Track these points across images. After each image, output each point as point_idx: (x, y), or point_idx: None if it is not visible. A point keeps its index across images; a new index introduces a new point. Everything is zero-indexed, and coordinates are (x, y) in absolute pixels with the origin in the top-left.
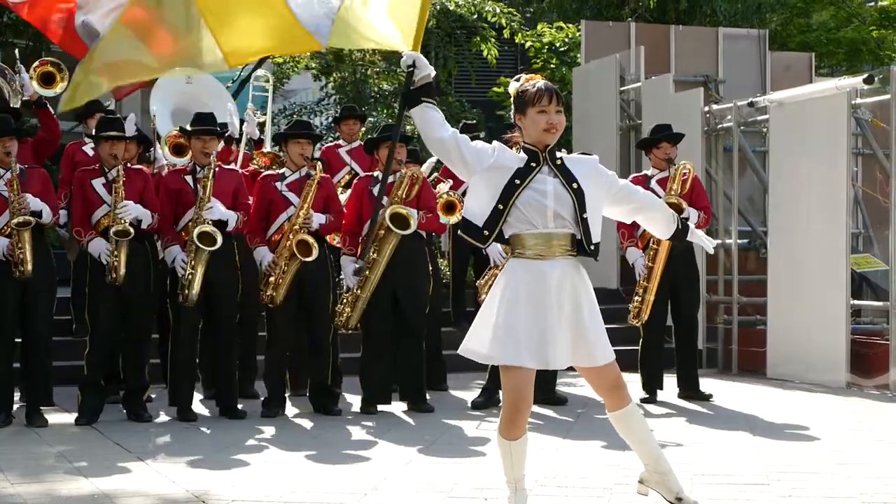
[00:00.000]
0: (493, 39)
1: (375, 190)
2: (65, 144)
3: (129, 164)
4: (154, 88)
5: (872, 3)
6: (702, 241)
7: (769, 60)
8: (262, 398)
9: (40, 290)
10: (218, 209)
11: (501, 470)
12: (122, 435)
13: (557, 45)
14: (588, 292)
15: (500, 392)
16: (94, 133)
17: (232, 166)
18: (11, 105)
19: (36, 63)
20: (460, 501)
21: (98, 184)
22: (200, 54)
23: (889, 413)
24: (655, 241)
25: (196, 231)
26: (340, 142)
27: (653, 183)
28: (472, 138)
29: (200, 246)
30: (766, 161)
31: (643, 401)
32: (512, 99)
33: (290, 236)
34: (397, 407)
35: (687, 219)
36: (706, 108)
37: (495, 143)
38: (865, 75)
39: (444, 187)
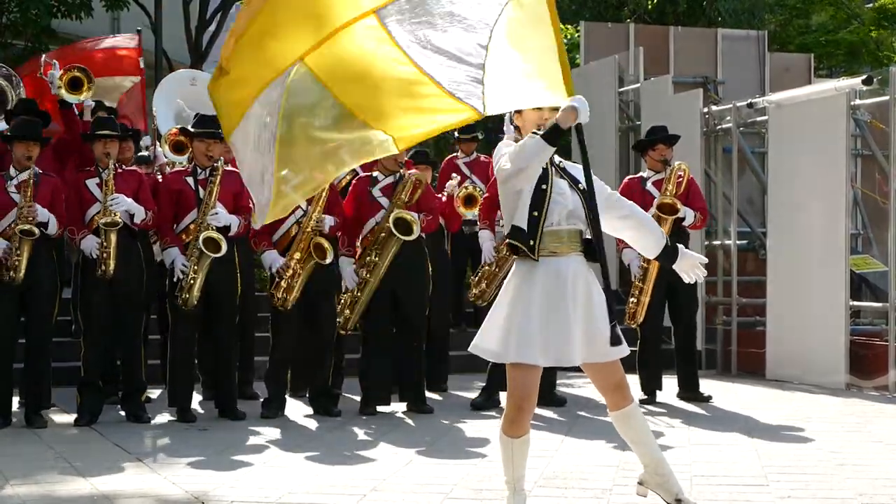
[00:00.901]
0: None
1: (375, 191)
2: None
3: (123, 166)
4: (157, 88)
5: (871, 4)
6: (692, 260)
7: (768, 61)
8: (262, 399)
9: (41, 294)
10: (223, 215)
11: (501, 469)
12: (121, 436)
13: None
14: (598, 289)
15: (500, 393)
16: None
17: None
18: (8, 106)
19: (64, 69)
20: (460, 502)
21: (92, 183)
22: (369, 142)
23: (888, 414)
24: None
25: (202, 237)
26: None
27: (648, 184)
28: (471, 139)
29: (205, 252)
30: (766, 162)
31: (642, 402)
32: None
33: (303, 239)
34: (397, 408)
35: (684, 228)
36: (705, 110)
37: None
38: (864, 76)
39: (453, 183)
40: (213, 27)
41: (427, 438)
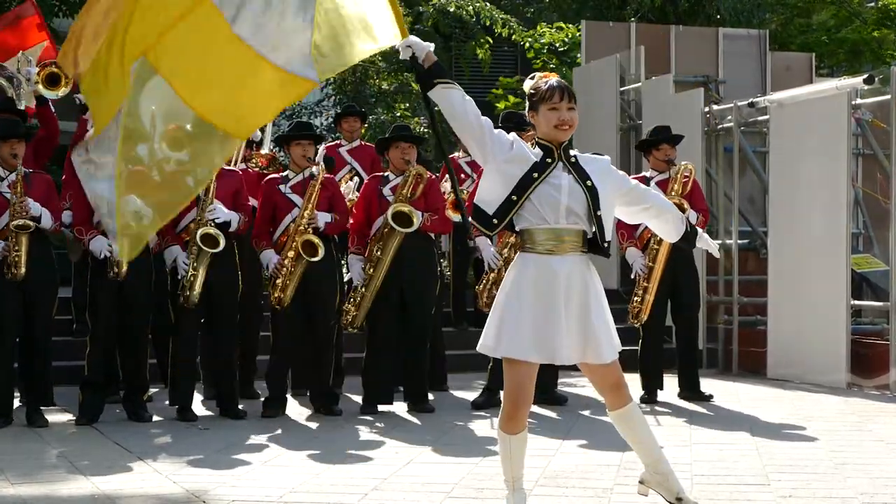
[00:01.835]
0: (487, 45)
1: (385, 190)
2: (65, 145)
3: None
4: None
5: (873, 3)
6: (708, 245)
7: (769, 61)
8: (263, 398)
9: (40, 292)
10: (221, 211)
11: (501, 468)
12: (122, 435)
13: (557, 45)
14: (597, 289)
15: (501, 392)
16: None
17: (233, 167)
18: (18, 106)
19: (41, 64)
20: (461, 501)
21: None
22: (211, 154)
23: (889, 413)
24: (656, 242)
25: (199, 233)
26: (341, 141)
27: (652, 184)
28: None
29: (203, 248)
30: (767, 161)
31: (643, 401)
32: (526, 96)
33: (296, 237)
34: (398, 407)
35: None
36: (706, 109)
37: (513, 135)
38: (865, 76)
39: (447, 186)
40: None
41: (428, 437)
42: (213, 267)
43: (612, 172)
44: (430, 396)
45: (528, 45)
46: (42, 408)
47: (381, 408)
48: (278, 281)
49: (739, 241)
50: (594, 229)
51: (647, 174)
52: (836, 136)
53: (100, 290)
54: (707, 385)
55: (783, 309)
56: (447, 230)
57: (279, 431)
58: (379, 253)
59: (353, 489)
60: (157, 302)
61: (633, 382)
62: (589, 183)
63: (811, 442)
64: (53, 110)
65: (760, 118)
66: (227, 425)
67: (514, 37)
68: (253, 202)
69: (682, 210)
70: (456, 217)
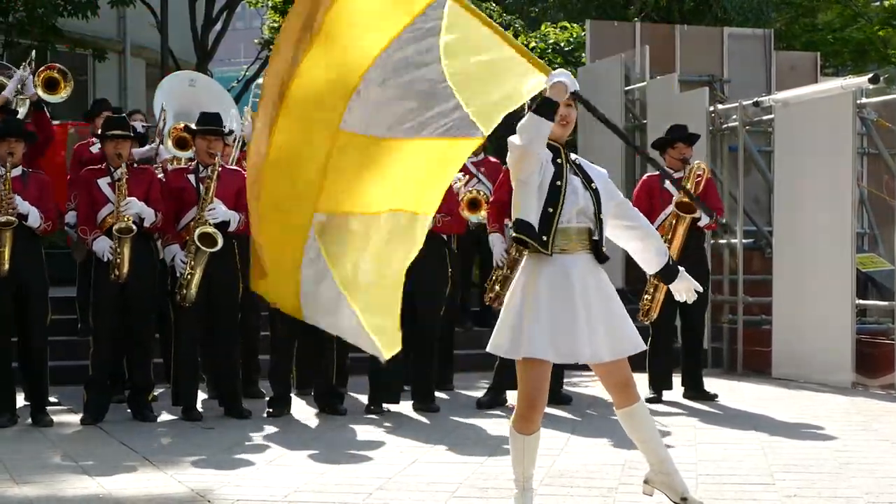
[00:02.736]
0: None
1: None
2: (71, 146)
3: (135, 164)
4: (158, 86)
5: (878, 2)
6: (689, 285)
7: (774, 60)
8: (268, 398)
9: (33, 293)
10: (220, 210)
11: (511, 467)
12: (127, 434)
13: (562, 44)
14: (610, 285)
15: (507, 392)
16: (99, 132)
17: (234, 167)
18: (13, 107)
19: (42, 68)
20: (465, 501)
21: (104, 183)
22: (407, 240)
23: (894, 413)
24: (668, 240)
25: (197, 232)
26: None
27: (667, 183)
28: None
29: (201, 247)
30: (772, 161)
31: (649, 400)
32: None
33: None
34: (403, 406)
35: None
36: (711, 108)
37: None
38: (871, 75)
39: (459, 184)
40: (218, 26)
41: (433, 437)
42: (212, 267)
43: (609, 182)
44: (444, 396)
45: (532, 44)
46: (47, 407)
47: (386, 407)
48: None
49: (744, 241)
50: (599, 231)
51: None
52: (842, 136)
53: (102, 290)
54: (712, 384)
55: (788, 308)
56: (461, 231)
57: (284, 431)
58: None
59: (358, 488)
60: (162, 302)
61: (641, 382)
62: (594, 186)
63: (816, 441)
64: (49, 116)
65: (765, 118)
66: (232, 425)
67: (519, 37)
68: None
69: (692, 210)
70: (473, 217)
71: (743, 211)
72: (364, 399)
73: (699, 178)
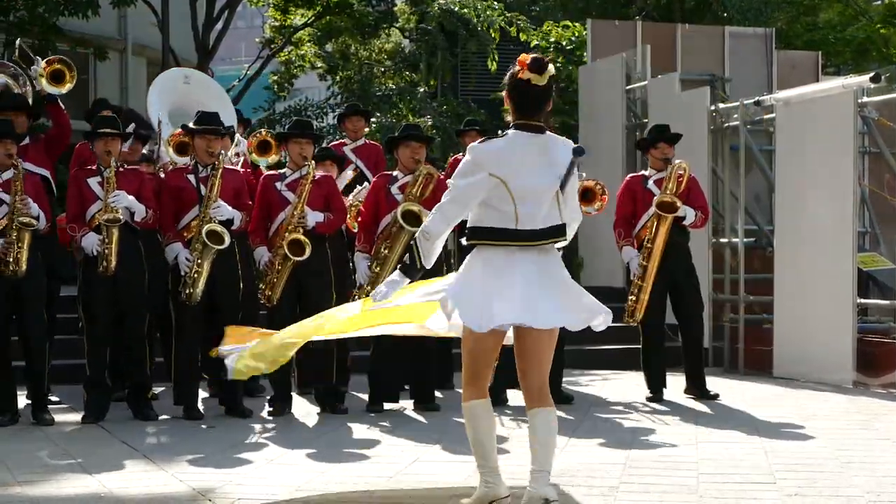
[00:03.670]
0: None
1: (393, 189)
2: (74, 144)
3: (125, 164)
4: (152, 85)
5: (879, 1)
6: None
7: (776, 59)
8: (268, 396)
9: (31, 293)
10: (225, 209)
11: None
12: (127, 433)
13: (563, 43)
14: (560, 270)
15: (507, 390)
16: (90, 130)
17: (232, 166)
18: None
19: (45, 61)
20: (465, 500)
21: (93, 182)
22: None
23: (895, 412)
24: (650, 240)
25: (205, 229)
26: (346, 140)
27: (650, 183)
28: (479, 132)
29: (209, 244)
30: (773, 160)
31: (648, 399)
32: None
33: (285, 236)
34: (404, 405)
35: (685, 227)
36: (712, 107)
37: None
38: (872, 74)
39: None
40: (219, 25)
41: (434, 436)
42: (215, 265)
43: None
44: (441, 395)
45: (535, 42)
46: (48, 406)
47: (386, 406)
48: (267, 278)
49: (745, 240)
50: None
51: (646, 173)
52: (843, 135)
53: (91, 285)
54: (713, 383)
55: (789, 307)
56: (456, 229)
57: (285, 430)
58: (386, 251)
59: (358, 487)
60: (163, 301)
61: (638, 381)
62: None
63: (817, 440)
64: (63, 107)
65: (767, 116)
66: (233, 424)
67: (521, 35)
68: None
69: (675, 209)
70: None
71: (744, 210)
72: (365, 398)
73: (680, 178)
